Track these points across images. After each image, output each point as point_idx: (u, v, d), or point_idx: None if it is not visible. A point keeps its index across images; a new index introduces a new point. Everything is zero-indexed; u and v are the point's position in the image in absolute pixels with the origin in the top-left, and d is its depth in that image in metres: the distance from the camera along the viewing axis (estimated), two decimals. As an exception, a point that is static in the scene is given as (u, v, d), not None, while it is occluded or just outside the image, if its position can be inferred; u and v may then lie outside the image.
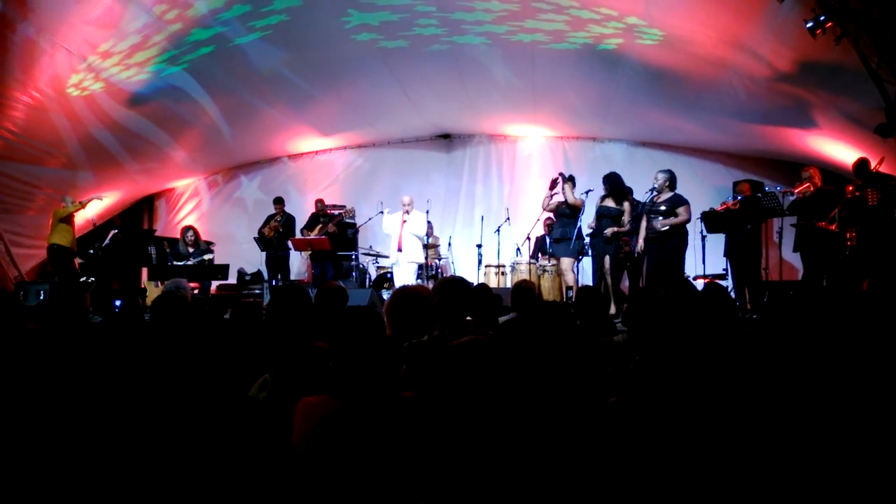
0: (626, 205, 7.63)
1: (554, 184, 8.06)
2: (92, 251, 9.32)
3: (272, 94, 9.05)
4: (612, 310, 7.27)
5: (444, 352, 1.04)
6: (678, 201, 7.18)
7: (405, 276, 8.68)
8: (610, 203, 7.65)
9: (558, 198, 8.09)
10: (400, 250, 8.75)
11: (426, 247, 9.50)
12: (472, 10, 7.03)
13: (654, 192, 7.29)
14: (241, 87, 8.69)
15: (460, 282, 3.28)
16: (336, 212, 10.08)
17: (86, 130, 8.52)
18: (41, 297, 7.97)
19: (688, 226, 7.30)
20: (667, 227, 7.13)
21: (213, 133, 10.01)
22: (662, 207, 7.22)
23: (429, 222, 9.65)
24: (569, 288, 7.89)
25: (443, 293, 3.18)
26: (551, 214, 8.46)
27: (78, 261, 9.40)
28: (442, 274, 9.70)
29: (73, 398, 1.47)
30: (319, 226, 9.71)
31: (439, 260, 10.04)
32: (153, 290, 9.54)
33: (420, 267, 9.07)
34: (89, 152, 9.10)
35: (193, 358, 1.92)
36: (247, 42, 7.53)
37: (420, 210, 8.95)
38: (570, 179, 7.99)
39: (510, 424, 0.96)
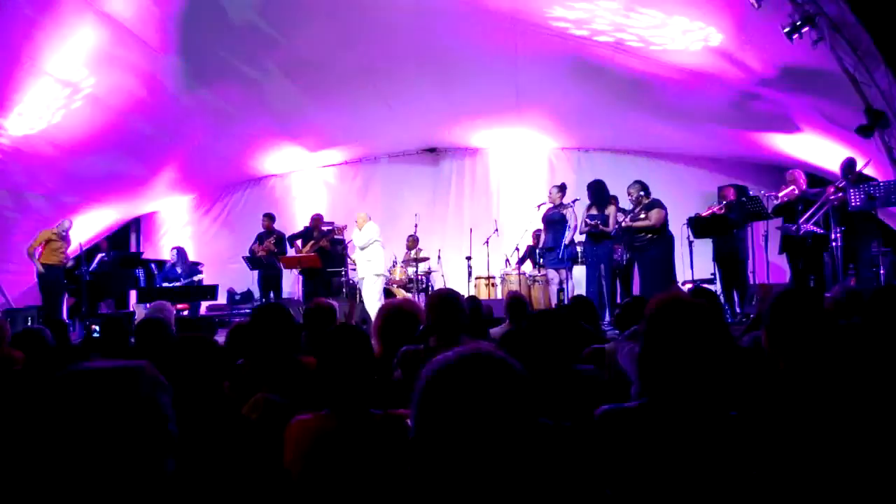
0: (612, 208, 7.68)
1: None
2: (79, 274, 9.23)
3: (258, 110, 8.99)
4: (608, 317, 7.32)
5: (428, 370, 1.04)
6: (650, 206, 7.32)
7: (368, 290, 8.66)
8: (594, 211, 7.72)
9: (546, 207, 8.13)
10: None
11: (415, 260, 9.51)
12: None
13: (636, 206, 7.45)
14: (226, 101, 8.59)
15: (454, 294, 3.30)
16: (327, 228, 10.06)
17: (70, 156, 8.46)
18: (28, 324, 7.90)
19: (674, 232, 7.37)
20: (645, 235, 7.26)
21: (200, 154, 9.98)
22: (642, 216, 7.38)
23: (415, 237, 9.66)
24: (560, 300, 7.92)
25: (437, 306, 3.19)
26: (540, 224, 8.46)
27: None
28: (432, 287, 9.69)
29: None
30: (312, 241, 9.67)
31: (428, 273, 10.02)
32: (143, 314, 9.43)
33: (387, 280, 9.11)
34: (74, 177, 9.05)
35: (181, 380, 1.91)
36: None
37: (403, 224, 8.97)
38: (562, 188, 8.08)
39: (506, 439, 0.95)
